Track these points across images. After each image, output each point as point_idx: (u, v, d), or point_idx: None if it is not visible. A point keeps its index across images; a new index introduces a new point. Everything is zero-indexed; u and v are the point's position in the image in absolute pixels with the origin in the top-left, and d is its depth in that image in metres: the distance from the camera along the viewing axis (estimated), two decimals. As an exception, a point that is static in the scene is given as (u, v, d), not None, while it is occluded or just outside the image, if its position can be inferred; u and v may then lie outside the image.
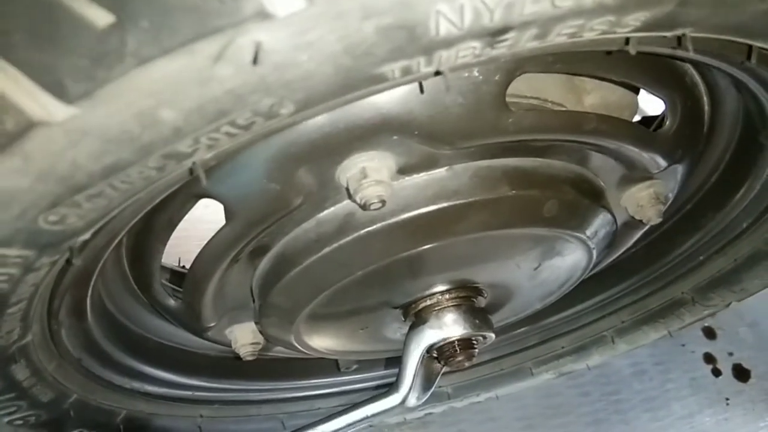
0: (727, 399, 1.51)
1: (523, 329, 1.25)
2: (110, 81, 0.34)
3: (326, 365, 1.15)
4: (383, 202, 0.61)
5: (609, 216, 0.78)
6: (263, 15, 0.34)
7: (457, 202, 0.67)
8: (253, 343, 0.91)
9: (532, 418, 1.48)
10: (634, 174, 0.78)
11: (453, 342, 0.84)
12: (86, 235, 0.49)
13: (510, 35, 0.41)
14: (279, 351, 1.00)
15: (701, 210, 0.96)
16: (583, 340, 1.29)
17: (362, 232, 0.67)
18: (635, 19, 0.44)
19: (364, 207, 0.61)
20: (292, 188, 0.62)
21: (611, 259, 1.03)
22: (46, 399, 0.79)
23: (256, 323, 0.87)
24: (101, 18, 0.33)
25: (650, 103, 0.85)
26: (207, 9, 0.33)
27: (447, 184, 0.66)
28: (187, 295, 0.79)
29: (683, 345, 1.59)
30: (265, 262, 0.75)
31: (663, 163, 0.75)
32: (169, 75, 0.35)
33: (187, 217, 0.70)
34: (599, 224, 0.78)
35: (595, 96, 0.71)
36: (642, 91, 0.76)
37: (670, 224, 1.02)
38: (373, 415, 0.83)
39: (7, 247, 0.45)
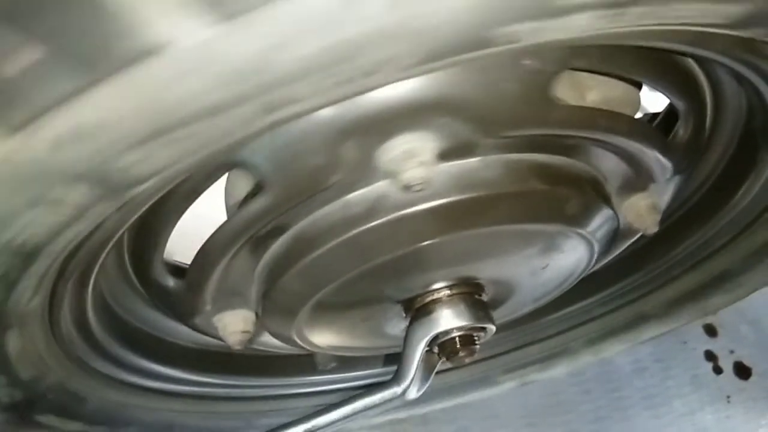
0: (729, 396, 1.53)
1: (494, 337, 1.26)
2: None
3: (303, 364, 1.12)
4: (426, 184, 0.61)
5: (616, 221, 0.81)
6: None
7: (488, 192, 0.67)
8: (243, 331, 0.87)
9: (534, 415, 1.48)
10: (638, 182, 0.81)
11: (454, 337, 0.84)
12: (147, 184, 0.46)
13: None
14: (259, 344, 0.97)
15: (683, 223, 1.01)
16: (551, 350, 1.31)
17: (390, 217, 0.67)
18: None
19: (406, 188, 0.61)
20: (333, 164, 0.61)
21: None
22: (26, 377, 0.73)
23: (255, 313, 0.84)
24: None
25: (649, 101, 0.87)
26: None
27: (480, 174, 0.67)
28: (193, 273, 0.76)
29: (684, 342, 1.60)
30: (278, 245, 0.73)
31: (670, 173, 0.78)
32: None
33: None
34: (607, 228, 0.81)
35: (597, 92, 0.73)
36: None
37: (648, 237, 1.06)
38: (371, 407, 0.81)
39: (74, 184, 0.42)
